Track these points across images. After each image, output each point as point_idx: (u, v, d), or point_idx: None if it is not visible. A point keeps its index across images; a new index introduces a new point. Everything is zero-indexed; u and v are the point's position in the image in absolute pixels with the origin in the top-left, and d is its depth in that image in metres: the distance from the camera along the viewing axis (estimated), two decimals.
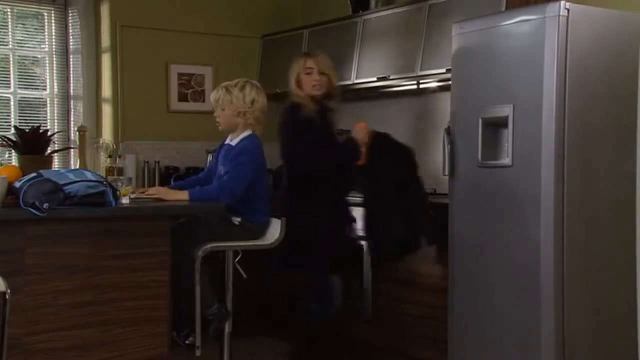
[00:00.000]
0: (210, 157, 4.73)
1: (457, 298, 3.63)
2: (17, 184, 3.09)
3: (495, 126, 3.45)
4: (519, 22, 3.31)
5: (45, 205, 2.95)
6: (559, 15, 3.15)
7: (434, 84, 4.67)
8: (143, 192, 3.69)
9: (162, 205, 3.49)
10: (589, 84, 3.25)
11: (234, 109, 3.86)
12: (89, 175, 3.19)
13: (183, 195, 3.61)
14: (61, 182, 3.06)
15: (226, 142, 3.96)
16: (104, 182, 3.19)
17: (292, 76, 4.07)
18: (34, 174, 3.14)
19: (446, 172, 3.68)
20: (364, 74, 4.92)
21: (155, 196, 3.61)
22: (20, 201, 2.99)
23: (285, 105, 4.11)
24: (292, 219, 3.74)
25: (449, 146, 3.65)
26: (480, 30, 3.53)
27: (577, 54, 3.18)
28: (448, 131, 3.67)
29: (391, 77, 4.66)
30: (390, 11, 4.85)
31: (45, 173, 3.15)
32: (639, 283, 3.42)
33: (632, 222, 3.41)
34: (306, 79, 4.01)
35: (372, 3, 5.06)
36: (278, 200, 4.13)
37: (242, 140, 3.85)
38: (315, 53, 4.11)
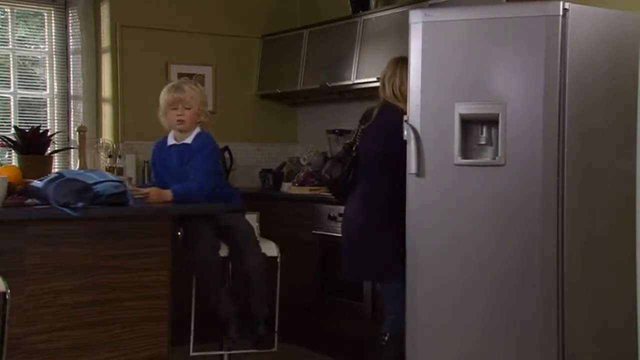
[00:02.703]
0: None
1: (424, 314, 3.41)
2: (38, 184, 3.10)
3: (470, 124, 3.31)
4: (515, 19, 3.27)
5: (79, 204, 2.96)
6: (559, 15, 3.14)
7: None
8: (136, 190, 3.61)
9: (162, 206, 3.50)
10: (588, 84, 3.24)
11: (197, 107, 3.79)
12: (109, 176, 3.22)
13: (168, 196, 3.56)
14: (90, 182, 3.08)
15: (174, 143, 3.84)
16: (124, 183, 3.23)
17: (395, 79, 3.69)
18: (55, 174, 3.16)
19: (413, 170, 3.38)
20: (364, 74, 4.92)
21: (145, 194, 3.51)
22: (52, 201, 2.98)
23: (394, 111, 3.62)
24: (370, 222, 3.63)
25: (414, 141, 3.36)
26: (462, 21, 3.36)
27: (577, 53, 3.18)
28: (412, 126, 3.39)
29: None
30: (390, 11, 4.85)
31: (66, 173, 3.18)
32: (639, 283, 3.42)
33: (632, 222, 3.41)
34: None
35: (372, 3, 5.06)
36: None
37: (198, 136, 3.81)
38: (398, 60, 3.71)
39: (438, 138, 3.36)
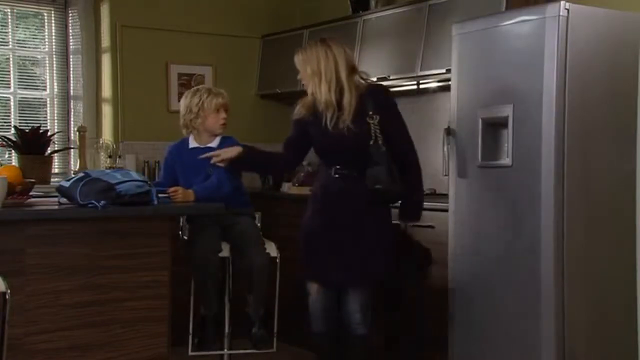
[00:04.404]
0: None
1: (458, 298, 3.64)
2: (66, 184, 3.14)
3: (495, 126, 3.45)
4: (519, 23, 3.32)
5: (101, 203, 2.99)
6: (559, 16, 3.15)
7: (434, 84, 4.67)
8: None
9: (163, 206, 3.49)
10: (589, 84, 3.25)
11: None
12: (134, 175, 3.24)
13: (191, 196, 3.63)
14: (112, 182, 3.11)
15: (196, 146, 3.88)
16: (148, 182, 3.25)
17: None
18: (81, 174, 3.20)
19: (446, 173, 3.67)
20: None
21: (171, 193, 3.54)
22: (78, 200, 3.04)
23: None
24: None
25: (448, 146, 3.66)
26: (481, 31, 3.53)
27: (577, 54, 3.19)
28: (448, 131, 3.68)
29: (391, 77, 4.66)
30: (390, 11, 4.85)
31: (92, 173, 3.21)
32: (639, 283, 3.42)
33: (632, 222, 3.40)
34: None
35: (372, 3, 5.06)
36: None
37: (225, 140, 3.90)
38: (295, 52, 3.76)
39: (467, 142, 3.59)
